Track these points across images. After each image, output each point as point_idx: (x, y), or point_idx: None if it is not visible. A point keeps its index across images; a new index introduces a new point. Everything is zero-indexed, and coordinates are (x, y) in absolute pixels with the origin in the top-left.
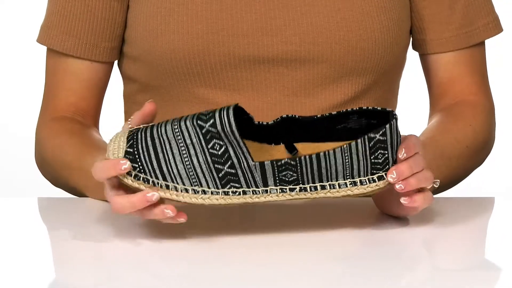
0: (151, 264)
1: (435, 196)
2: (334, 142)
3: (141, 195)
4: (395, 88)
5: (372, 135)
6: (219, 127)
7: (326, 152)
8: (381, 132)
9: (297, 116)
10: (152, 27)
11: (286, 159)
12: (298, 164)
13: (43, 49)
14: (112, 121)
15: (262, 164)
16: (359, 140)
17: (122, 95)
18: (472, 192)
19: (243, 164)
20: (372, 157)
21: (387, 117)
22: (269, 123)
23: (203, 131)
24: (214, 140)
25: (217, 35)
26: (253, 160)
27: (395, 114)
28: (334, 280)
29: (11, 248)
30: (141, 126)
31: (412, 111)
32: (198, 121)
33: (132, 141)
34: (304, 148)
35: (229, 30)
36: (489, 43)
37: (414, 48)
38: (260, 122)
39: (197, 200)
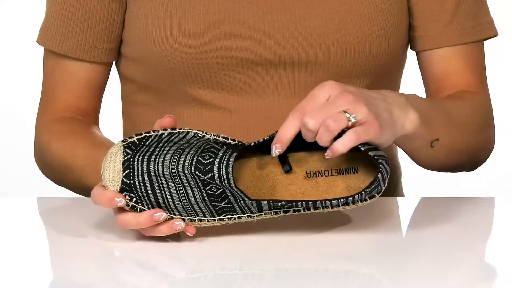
0: (151, 264)
1: (436, 196)
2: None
3: (148, 215)
4: (395, 87)
5: (367, 189)
6: (217, 181)
7: (323, 202)
8: (374, 184)
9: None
10: (149, 29)
11: (283, 202)
12: (295, 206)
13: (41, 48)
14: (111, 121)
15: (259, 202)
16: (356, 196)
17: (119, 95)
18: (471, 192)
19: (240, 202)
20: (367, 197)
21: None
22: (265, 138)
23: (201, 179)
24: (212, 185)
25: (215, 38)
26: (250, 199)
27: (382, 163)
28: (332, 280)
29: (10, 248)
30: (135, 138)
31: None
32: (197, 172)
33: (128, 170)
34: (296, 158)
35: (226, 33)
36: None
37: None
38: (256, 142)
39: (193, 225)
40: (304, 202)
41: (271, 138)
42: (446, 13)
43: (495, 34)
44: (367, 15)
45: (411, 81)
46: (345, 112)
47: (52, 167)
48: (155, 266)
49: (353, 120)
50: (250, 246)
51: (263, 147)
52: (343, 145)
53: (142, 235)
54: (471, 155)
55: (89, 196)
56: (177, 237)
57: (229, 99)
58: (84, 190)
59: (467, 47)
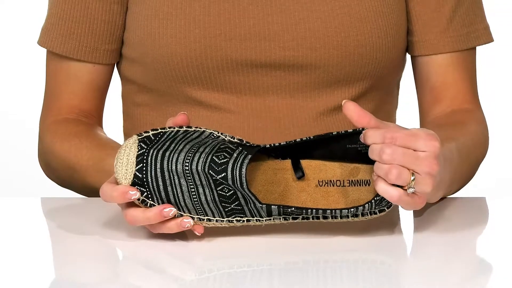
0: (157, 265)
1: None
2: (340, 162)
3: (158, 211)
4: (394, 88)
5: (377, 197)
6: (230, 182)
7: (333, 211)
8: None
9: (312, 137)
10: (149, 30)
11: (294, 208)
12: (304, 213)
13: (44, 50)
14: (112, 121)
15: (269, 207)
16: (366, 205)
17: (120, 95)
18: (470, 193)
19: (250, 205)
20: (377, 210)
21: None
22: (281, 143)
23: (213, 179)
24: (224, 185)
25: (215, 40)
26: (260, 203)
27: None
28: (337, 274)
29: (14, 248)
30: (151, 133)
31: (413, 111)
32: (210, 171)
33: (142, 164)
34: (310, 166)
35: (226, 35)
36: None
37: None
38: (272, 145)
39: (201, 224)
40: (314, 210)
41: (288, 144)
42: (444, 19)
43: (491, 40)
44: (367, 18)
45: (411, 83)
46: (414, 175)
47: (56, 169)
48: (162, 267)
49: (411, 191)
50: (256, 243)
51: (278, 152)
52: (382, 190)
53: (149, 234)
54: (473, 176)
55: (94, 196)
56: (184, 237)
57: (229, 100)
58: (89, 190)
59: (463, 54)
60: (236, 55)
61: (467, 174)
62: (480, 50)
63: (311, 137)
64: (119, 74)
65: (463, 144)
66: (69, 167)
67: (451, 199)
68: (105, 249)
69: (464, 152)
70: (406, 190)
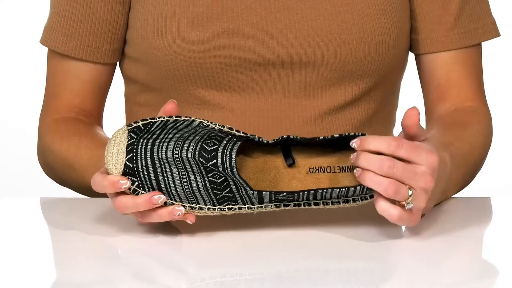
0: (153, 263)
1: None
2: (331, 155)
3: (147, 197)
4: (396, 89)
5: None
6: (220, 168)
7: (324, 190)
8: None
9: (298, 138)
10: (152, 29)
11: (285, 193)
12: (296, 197)
13: (45, 49)
14: (113, 121)
15: (260, 193)
16: (358, 187)
17: (123, 95)
18: (467, 191)
19: (242, 192)
20: (368, 195)
21: None
22: (269, 142)
23: (204, 166)
24: (215, 172)
25: (218, 38)
26: (251, 189)
27: None
28: (332, 280)
29: (13, 248)
30: (140, 123)
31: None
32: (200, 158)
33: (132, 154)
34: (300, 153)
35: (229, 33)
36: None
37: (410, 48)
38: (261, 140)
39: (193, 213)
40: (306, 192)
41: (276, 142)
42: (451, 15)
43: (498, 35)
44: (369, 15)
45: (412, 81)
46: (411, 191)
47: (55, 167)
48: (155, 277)
49: (409, 207)
50: (248, 251)
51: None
52: (382, 209)
53: (145, 232)
54: (473, 177)
55: (91, 196)
56: (175, 231)
57: (232, 99)
58: (87, 189)
59: (468, 51)
60: (239, 53)
61: (464, 178)
62: (488, 47)
63: (298, 138)
64: (122, 74)
65: (458, 149)
66: (68, 166)
67: (455, 199)
68: (103, 249)
69: (459, 157)
70: (404, 205)
